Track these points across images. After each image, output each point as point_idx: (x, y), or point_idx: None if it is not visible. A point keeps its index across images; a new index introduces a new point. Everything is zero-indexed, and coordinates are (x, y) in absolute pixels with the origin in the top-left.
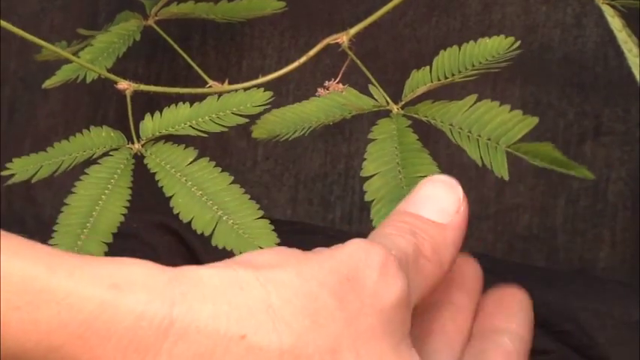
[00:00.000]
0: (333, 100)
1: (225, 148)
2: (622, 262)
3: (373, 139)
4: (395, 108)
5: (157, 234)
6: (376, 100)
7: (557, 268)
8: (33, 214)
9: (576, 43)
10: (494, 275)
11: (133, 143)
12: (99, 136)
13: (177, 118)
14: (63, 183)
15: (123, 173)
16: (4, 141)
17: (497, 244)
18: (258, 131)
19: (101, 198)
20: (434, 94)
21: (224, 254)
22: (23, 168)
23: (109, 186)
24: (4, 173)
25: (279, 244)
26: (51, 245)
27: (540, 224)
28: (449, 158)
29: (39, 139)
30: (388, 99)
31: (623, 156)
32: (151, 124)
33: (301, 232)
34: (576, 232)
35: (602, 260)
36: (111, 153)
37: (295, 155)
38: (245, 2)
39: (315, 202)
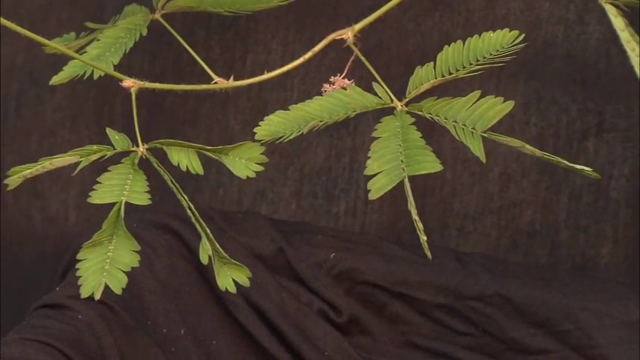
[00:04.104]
0: (337, 98)
1: (230, 142)
2: (624, 258)
3: (377, 137)
4: (399, 105)
5: (157, 234)
6: (380, 97)
7: (559, 264)
8: (39, 208)
9: (579, 39)
10: (495, 275)
11: (137, 146)
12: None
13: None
14: (69, 177)
15: (135, 178)
16: (11, 135)
17: (500, 240)
18: (262, 132)
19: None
20: (439, 91)
21: None
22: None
23: (125, 192)
24: (8, 181)
25: (279, 244)
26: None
27: (543, 220)
28: (453, 153)
29: (45, 134)
30: (392, 96)
31: (625, 153)
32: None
33: (301, 232)
34: (579, 229)
35: (604, 256)
36: (122, 161)
37: (300, 149)
38: None
39: (320, 196)
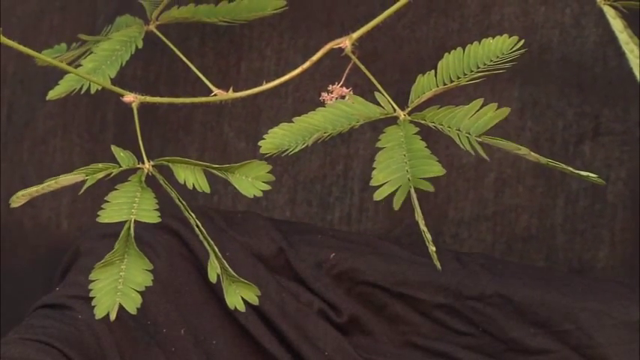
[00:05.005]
0: (340, 109)
1: (224, 149)
2: (621, 262)
3: (381, 148)
4: (402, 115)
5: (157, 234)
6: (383, 107)
7: (556, 269)
8: (31, 216)
9: (575, 43)
10: (495, 275)
11: (142, 163)
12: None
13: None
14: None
15: (143, 195)
16: (3, 143)
17: (496, 245)
18: (267, 146)
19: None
20: (436, 97)
21: (223, 254)
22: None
23: (133, 210)
24: (12, 200)
25: (279, 244)
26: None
27: (539, 225)
28: (448, 159)
29: (37, 142)
30: (395, 106)
31: (622, 156)
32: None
33: (301, 232)
34: (575, 233)
35: (601, 260)
36: (129, 179)
37: (294, 157)
38: (246, 2)
39: (314, 204)
